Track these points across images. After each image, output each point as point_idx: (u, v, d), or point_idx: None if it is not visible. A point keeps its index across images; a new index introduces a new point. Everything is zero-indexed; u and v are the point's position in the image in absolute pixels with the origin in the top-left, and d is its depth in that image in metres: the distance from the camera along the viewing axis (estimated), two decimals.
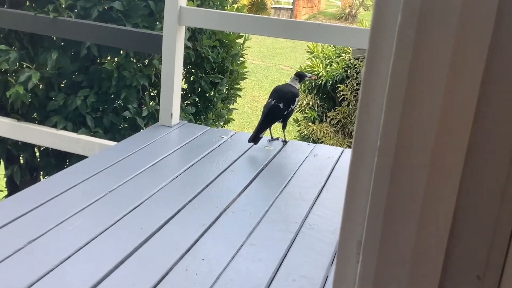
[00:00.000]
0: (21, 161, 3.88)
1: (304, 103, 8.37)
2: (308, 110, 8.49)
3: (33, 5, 3.40)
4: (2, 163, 3.91)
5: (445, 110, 0.62)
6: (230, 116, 4.23)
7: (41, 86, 3.40)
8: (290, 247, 1.88)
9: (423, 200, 0.66)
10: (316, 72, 7.97)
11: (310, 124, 8.26)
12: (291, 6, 23.62)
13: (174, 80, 2.93)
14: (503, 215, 0.66)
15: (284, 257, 1.82)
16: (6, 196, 4.13)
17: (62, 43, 3.46)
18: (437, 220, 0.67)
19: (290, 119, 3.36)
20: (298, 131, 8.65)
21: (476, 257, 0.68)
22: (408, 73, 0.62)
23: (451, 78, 0.61)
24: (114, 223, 1.93)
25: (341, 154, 2.85)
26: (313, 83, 8.17)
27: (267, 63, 15.98)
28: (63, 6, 3.16)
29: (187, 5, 2.90)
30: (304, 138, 8.17)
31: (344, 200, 0.71)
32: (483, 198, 0.66)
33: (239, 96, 4.31)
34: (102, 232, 1.86)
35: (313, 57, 8.57)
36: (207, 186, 2.32)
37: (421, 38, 0.61)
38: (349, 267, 0.72)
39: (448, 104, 0.62)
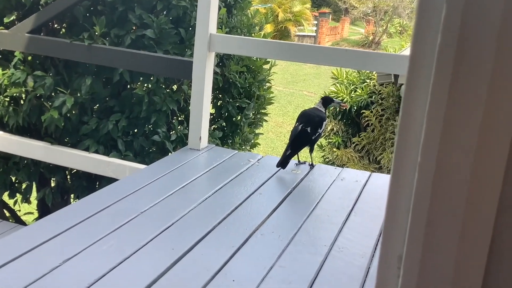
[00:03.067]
0: (53, 184, 3.96)
1: (329, 128, 8.38)
2: (332, 136, 8.48)
3: (69, 33, 3.54)
4: (34, 185, 4.00)
5: (485, 125, 0.63)
6: (256, 141, 4.27)
7: (74, 111, 3.51)
8: (320, 270, 1.88)
9: (463, 215, 0.67)
10: (345, 100, 7.99)
11: (334, 149, 8.24)
12: (314, 34, 23.87)
13: (203, 104, 2.98)
14: None
15: (314, 280, 1.82)
16: (37, 219, 4.22)
17: (96, 69, 3.58)
18: (478, 234, 0.68)
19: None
20: (323, 156, 8.63)
21: None
22: (449, 89, 0.64)
23: (490, 95, 0.63)
24: (146, 244, 1.96)
25: (369, 178, 2.84)
26: (337, 109, 8.18)
27: (291, 89, 16.09)
28: (97, 34, 3.28)
29: (216, 32, 2.98)
30: (328, 163, 8.14)
31: (385, 215, 0.73)
32: None
33: (265, 120, 4.35)
34: (134, 253, 1.89)
35: (338, 83, 8.60)
36: (236, 208, 2.34)
37: (461, 57, 0.63)
38: (389, 281, 0.73)
39: (488, 120, 0.63)
